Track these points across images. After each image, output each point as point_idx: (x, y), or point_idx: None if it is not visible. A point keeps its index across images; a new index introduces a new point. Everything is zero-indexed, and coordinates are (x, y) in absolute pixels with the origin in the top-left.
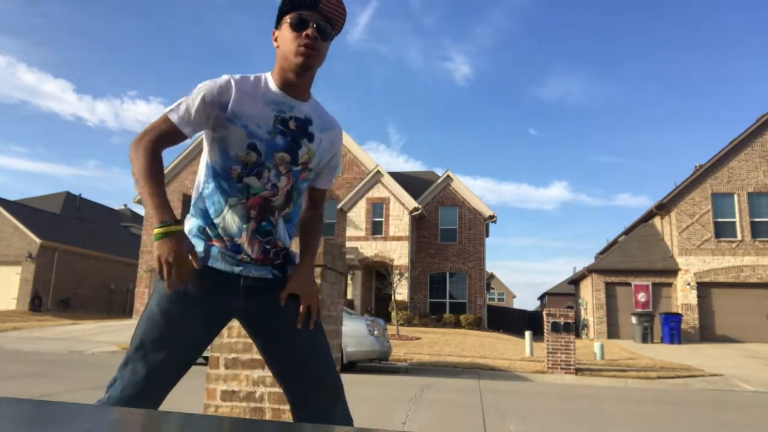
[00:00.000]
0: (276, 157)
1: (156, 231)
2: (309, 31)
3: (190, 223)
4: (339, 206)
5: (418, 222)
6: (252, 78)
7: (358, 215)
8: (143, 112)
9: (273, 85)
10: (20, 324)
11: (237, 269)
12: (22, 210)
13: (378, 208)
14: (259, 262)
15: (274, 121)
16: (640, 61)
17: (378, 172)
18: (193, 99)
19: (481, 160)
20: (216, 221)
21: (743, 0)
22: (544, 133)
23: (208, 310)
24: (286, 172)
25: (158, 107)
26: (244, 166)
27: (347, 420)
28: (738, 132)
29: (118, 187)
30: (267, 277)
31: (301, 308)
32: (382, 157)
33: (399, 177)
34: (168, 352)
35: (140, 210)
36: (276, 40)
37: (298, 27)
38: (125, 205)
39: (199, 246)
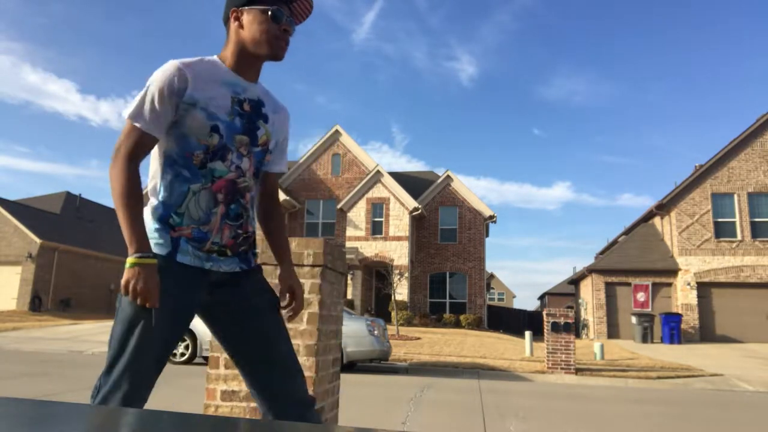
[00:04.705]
0: (236, 139)
1: (129, 261)
2: (287, 27)
3: (150, 216)
4: (339, 206)
5: (418, 222)
6: (205, 60)
7: (358, 215)
8: None
9: (225, 67)
10: (20, 324)
11: (207, 265)
12: (22, 210)
13: (378, 208)
14: (227, 249)
15: (231, 102)
16: (644, 61)
17: (378, 172)
18: (152, 96)
19: (484, 160)
20: (179, 210)
21: (746, 1)
22: (548, 133)
23: (178, 308)
24: (247, 154)
25: None
26: (206, 150)
27: (313, 407)
28: (738, 132)
29: None
30: (235, 270)
31: (295, 303)
32: (385, 157)
33: (399, 177)
34: (146, 355)
35: None
36: (237, 20)
37: (275, 19)
38: None
39: (165, 239)
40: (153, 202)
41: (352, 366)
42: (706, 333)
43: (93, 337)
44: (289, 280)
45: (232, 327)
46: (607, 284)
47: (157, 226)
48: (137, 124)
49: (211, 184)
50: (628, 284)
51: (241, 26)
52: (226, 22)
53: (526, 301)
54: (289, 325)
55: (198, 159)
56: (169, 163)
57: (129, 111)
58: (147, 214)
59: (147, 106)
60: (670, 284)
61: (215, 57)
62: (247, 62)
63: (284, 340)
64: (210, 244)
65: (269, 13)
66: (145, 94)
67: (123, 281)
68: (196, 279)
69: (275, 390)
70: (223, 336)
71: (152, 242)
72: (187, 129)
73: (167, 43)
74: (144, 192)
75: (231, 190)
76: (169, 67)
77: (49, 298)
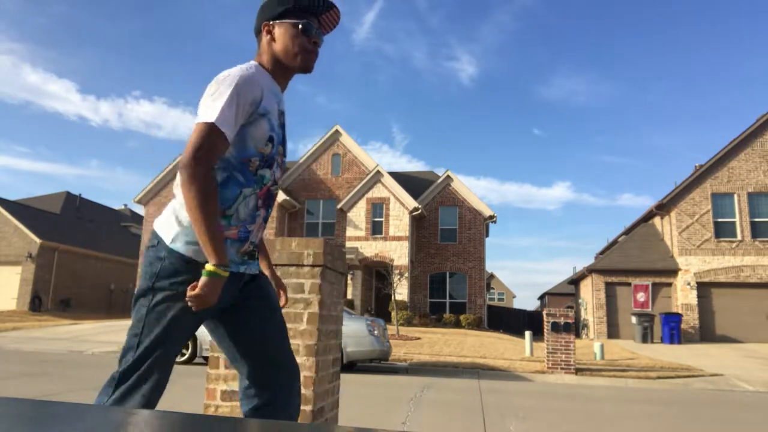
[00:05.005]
0: (279, 149)
1: (210, 269)
2: (317, 39)
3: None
4: (339, 206)
5: (418, 222)
6: (260, 68)
7: (358, 215)
8: (147, 112)
9: (272, 78)
10: (20, 324)
11: (242, 268)
12: (22, 210)
13: (378, 208)
14: (256, 251)
15: (278, 114)
16: (645, 61)
17: (378, 172)
18: (236, 103)
19: (484, 160)
20: (228, 212)
21: (746, 1)
22: (548, 133)
23: (208, 312)
24: (281, 164)
25: (161, 107)
26: (261, 157)
27: (297, 411)
28: (738, 132)
29: (119, 187)
30: (255, 272)
31: (286, 301)
32: (385, 158)
33: (399, 177)
34: (174, 354)
35: (140, 210)
36: (269, 33)
37: (306, 32)
38: (125, 205)
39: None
40: None
41: (352, 366)
42: (706, 333)
43: (93, 337)
44: (279, 279)
45: (249, 325)
46: (607, 284)
47: None
48: (224, 130)
49: (260, 190)
50: (628, 284)
51: (273, 39)
52: (258, 33)
53: (526, 301)
54: (289, 325)
55: (254, 165)
56: (223, 166)
57: (213, 115)
58: (182, 211)
59: (232, 112)
60: (670, 284)
61: (260, 66)
62: (281, 74)
63: (285, 337)
64: (248, 245)
65: (300, 26)
66: (229, 99)
67: (198, 288)
68: (232, 284)
69: (281, 383)
70: (236, 333)
71: (190, 246)
72: (249, 136)
73: (167, 44)
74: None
75: (268, 196)
76: (248, 75)
77: (49, 298)
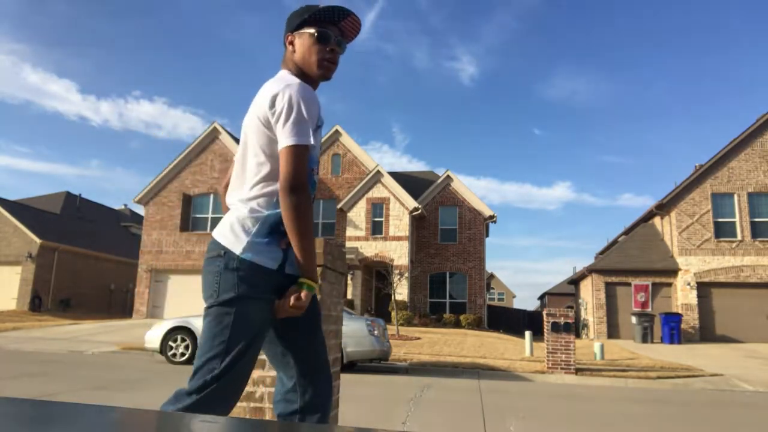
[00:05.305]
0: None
1: (311, 284)
2: (334, 47)
3: (254, 224)
4: (339, 206)
5: (418, 222)
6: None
7: (358, 215)
8: (147, 113)
9: None
10: (20, 324)
11: (297, 272)
12: (22, 210)
13: (378, 208)
14: None
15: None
16: (645, 61)
17: (378, 172)
18: (311, 119)
19: (484, 160)
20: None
21: (746, 1)
22: (549, 133)
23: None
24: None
25: (162, 107)
26: (316, 164)
27: (329, 415)
28: (738, 132)
29: (120, 187)
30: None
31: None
32: (385, 158)
33: (399, 177)
34: (256, 358)
35: (140, 210)
36: (291, 43)
37: (321, 40)
38: (125, 205)
39: (276, 251)
40: (261, 211)
41: (352, 366)
42: (706, 333)
43: (93, 337)
44: None
45: (299, 331)
46: (607, 284)
47: (266, 238)
48: (308, 147)
49: (313, 194)
50: (628, 284)
51: (294, 50)
52: (285, 45)
53: (526, 301)
54: None
55: (313, 173)
56: None
57: (305, 138)
58: (247, 222)
59: (310, 128)
60: (670, 284)
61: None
62: (308, 84)
63: (325, 344)
64: None
65: (315, 35)
66: (309, 117)
67: (303, 297)
68: (288, 285)
69: (321, 388)
70: (288, 338)
71: (264, 255)
72: (313, 148)
73: (168, 44)
74: (232, 201)
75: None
76: (309, 89)
77: (49, 298)
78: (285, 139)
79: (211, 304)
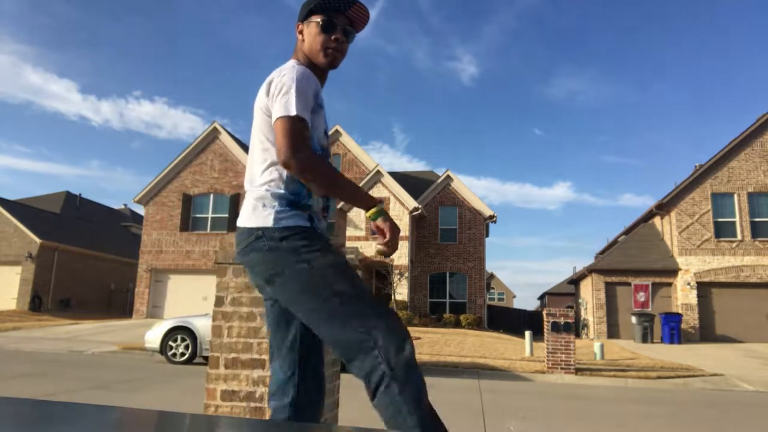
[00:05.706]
0: (327, 142)
1: (380, 209)
2: (338, 35)
3: (276, 199)
4: (339, 206)
5: (418, 222)
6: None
7: (358, 215)
8: (148, 113)
9: None
10: (20, 324)
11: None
12: (22, 210)
13: None
14: None
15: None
16: (645, 61)
17: (378, 171)
18: (306, 95)
19: (485, 160)
20: (302, 201)
21: (747, 2)
22: (549, 133)
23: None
24: (327, 156)
25: (162, 107)
26: (322, 150)
27: (323, 409)
28: (738, 132)
29: (120, 187)
30: None
31: None
32: (386, 157)
33: (399, 177)
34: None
35: (140, 210)
36: (301, 33)
37: (327, 29)
38: (125, 205)
39: (300, 214)
40: (277, 190)
41: None
42: (706, 333)
43: (93, 337)
44: None
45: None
46: (607, 284)
47: (289, 209)
48: (306, 118)
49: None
50: (628, 284)
51: (303, 39)
52: (296, 36)
53: (526, 301)
54: None
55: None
56: None
57: (293, 108)
58: (268, 198)
59: (305, 104)
60: (670, 284)
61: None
62: (316, 72)
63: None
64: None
65: (320, 23)
66: (299, 91)
67: (387, 227)
68: None
69: (319, 380)
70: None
71: (295, 218)
72: (314, 129)
73: (168, 44)
74: (254, 179)
75: None
76: (304, 69)
77: (49, 298)
78: (274, 114)
79: (286, 277)
